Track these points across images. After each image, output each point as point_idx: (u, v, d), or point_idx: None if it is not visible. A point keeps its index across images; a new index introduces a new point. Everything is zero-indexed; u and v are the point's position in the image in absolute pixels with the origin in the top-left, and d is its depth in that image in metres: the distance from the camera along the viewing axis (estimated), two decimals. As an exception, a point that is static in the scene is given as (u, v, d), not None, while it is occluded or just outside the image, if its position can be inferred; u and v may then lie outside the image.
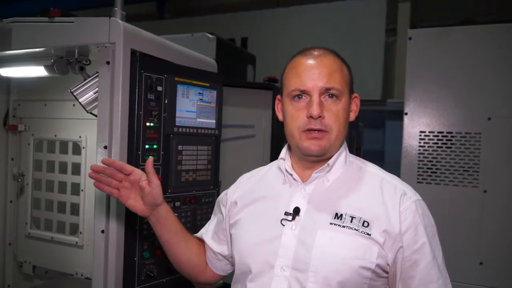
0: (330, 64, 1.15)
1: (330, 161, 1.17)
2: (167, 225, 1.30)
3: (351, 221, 1.10)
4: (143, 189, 1.23)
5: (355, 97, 1.23)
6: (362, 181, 1.18)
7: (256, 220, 1.23)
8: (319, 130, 1.13)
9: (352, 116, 1.22)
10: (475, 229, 2.13)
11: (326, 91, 1.13)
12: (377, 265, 1.08)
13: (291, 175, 1.22)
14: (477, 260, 2.11)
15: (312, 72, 1.14)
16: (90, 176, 1.24)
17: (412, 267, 1.09)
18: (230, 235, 1.30)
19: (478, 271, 2.11)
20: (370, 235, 1.08)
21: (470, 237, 2.13)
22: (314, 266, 1.08)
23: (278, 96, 1.25)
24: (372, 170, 1.22)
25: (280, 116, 1.25)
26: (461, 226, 2.15)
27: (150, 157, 1.31)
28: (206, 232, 1.40)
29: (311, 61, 1.15)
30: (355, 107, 1.23)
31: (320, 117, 1.12)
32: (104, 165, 1.23)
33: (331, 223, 1.11)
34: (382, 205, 1.12)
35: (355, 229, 1.09)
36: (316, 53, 1.18)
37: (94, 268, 1.51)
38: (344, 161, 1.21)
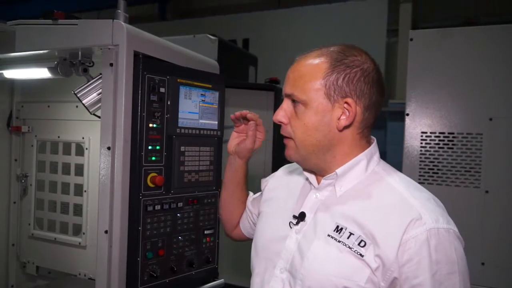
0: (299, 69, 1.10)
1: (338, 170, 1.09)
2: (237, 175, 1.46)
3: (348, 237, 1.02)
4: (250, 137, 1.40)
5: (345, 102, 1.05)
6: (377, 196, 1.06)
7: (273, 217, 1.24)
8: (285, 137, 1.14)
9: (343, 123, 1.06)
10: (477, 229, 2.13)
11: (289, 97, 1.11)
12: None
13: (307, 178, 1.19)
14: (479, 260, 2.12)
15: (287, 76, 1.13)
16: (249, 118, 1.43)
17: None
18: (258, 214, 1.37)
19: (480, 271, 2.11)
20: (362, 256, 0.99)
21: (471, 237, 2.13)
22: (302, 275, 1.06)
23: None
24: (395, 185, 1.07)
25: None
26: (463, 226, 2.11)
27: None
28: (253, 195, 1.52)
29: (292, 64, 1.14)
30: (347, 112, 1.06)
31: (282, 122, 1.13)
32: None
33: (328, 235, 1.05)
34: (387, 227, 0.99)
35: (349, 246, 1.01)
36: (303, 55, 1.13)
37: (97, 269, 1.52)
38: (363, 170, 1.10)
